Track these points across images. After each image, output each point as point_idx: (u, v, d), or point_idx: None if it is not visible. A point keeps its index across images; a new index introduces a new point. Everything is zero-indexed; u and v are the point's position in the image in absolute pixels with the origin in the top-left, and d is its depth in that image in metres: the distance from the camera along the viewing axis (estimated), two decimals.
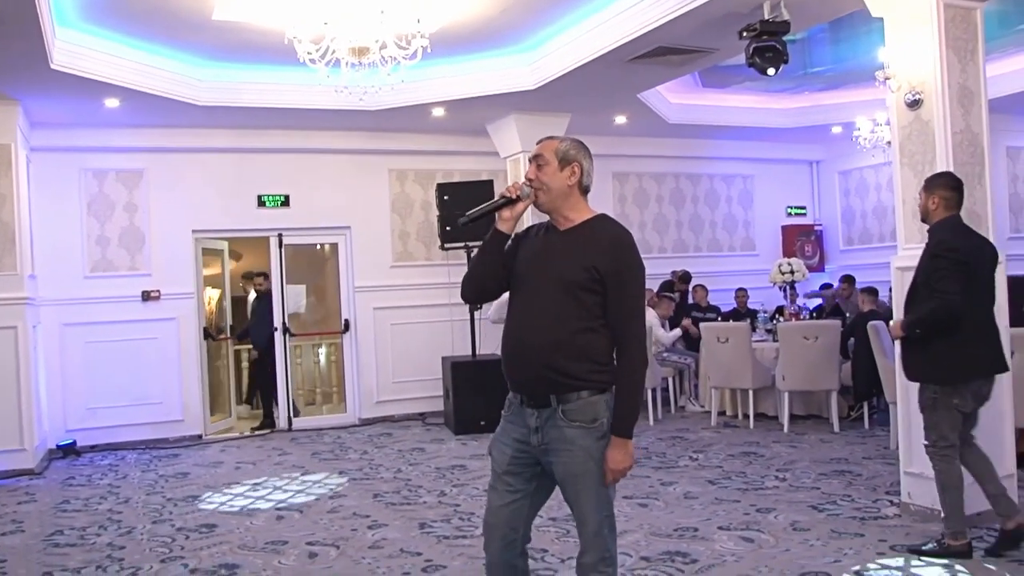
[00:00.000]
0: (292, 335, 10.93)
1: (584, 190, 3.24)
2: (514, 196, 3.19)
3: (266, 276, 10.87)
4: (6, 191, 8.35)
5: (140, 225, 9.96)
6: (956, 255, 4.60)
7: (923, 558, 4.73)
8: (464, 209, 3.34)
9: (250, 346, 11.64)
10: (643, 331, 3.17)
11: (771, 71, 6.80)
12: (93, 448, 9.48)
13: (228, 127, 10.03)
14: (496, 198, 3.24)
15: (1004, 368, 4.92)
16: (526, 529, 3.28)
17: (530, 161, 3.25)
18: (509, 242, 3.27)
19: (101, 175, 9.84)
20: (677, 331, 10.60)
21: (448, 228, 9.53)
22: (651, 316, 10.43)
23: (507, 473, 3.21)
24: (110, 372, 9.64)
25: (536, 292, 3.15)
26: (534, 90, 8.99)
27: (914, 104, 5.49)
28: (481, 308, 9.19)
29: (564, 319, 3.07)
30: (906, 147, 5.60)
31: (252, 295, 11.44)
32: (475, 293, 3.37)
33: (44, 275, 9.30)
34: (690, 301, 11.79)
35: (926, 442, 4.89)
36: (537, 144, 3.27)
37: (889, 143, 9.31)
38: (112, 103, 8.68)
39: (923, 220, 4.96)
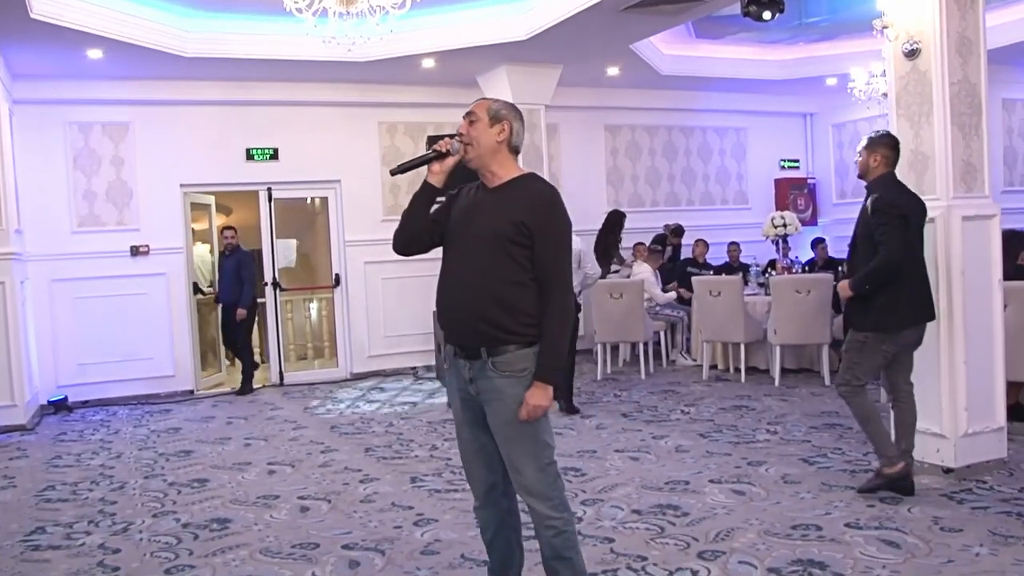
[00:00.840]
0: (283, 289, 10.89)
1: (514, 150, 3.36)
2: (444, 150, 3.32)
3: (235, 231, 10.41)
4: None
5: (127, 179, 9.86)
6: (897, 210, 4.86)
7: (905, 500, 4.76)
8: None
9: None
10: (568, 283, 3.28)
11: (767, 15, 6.73)
12: (85, 404, 9.49)
13: (215, 79, 9.89)
14: (427, 152, 3.39)
15: (933, 316, 5.13)
16: (503, 470, 3.38)
17: (463, 118, 3.37)
18: (443, 200, 3.42)
19: (86, 128, 9.72)
20: (672, 294, 10.58)
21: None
22: (646, 271, 10.41)
23: (466, 421, 3.38)
24: (100, 328, 9.60)
25: (467, 247, 3.28)
26: (526, 40, 8.85)
27: (912, 54, 5.42)
28: None
29: (494, 273, 3.19)
30: (903, 98, 5.54)
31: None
32: (404, 244, 3.47)
33: (31, 230, 9.24)
34: (689, 256, 11.72)
35: (840, 381, 5.14)
36: (472, 104, 3.40)
37: (884, 95, 9.26)
38: (95, 54, 8.54)
39: (861, 177, 5.16)
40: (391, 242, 3.50)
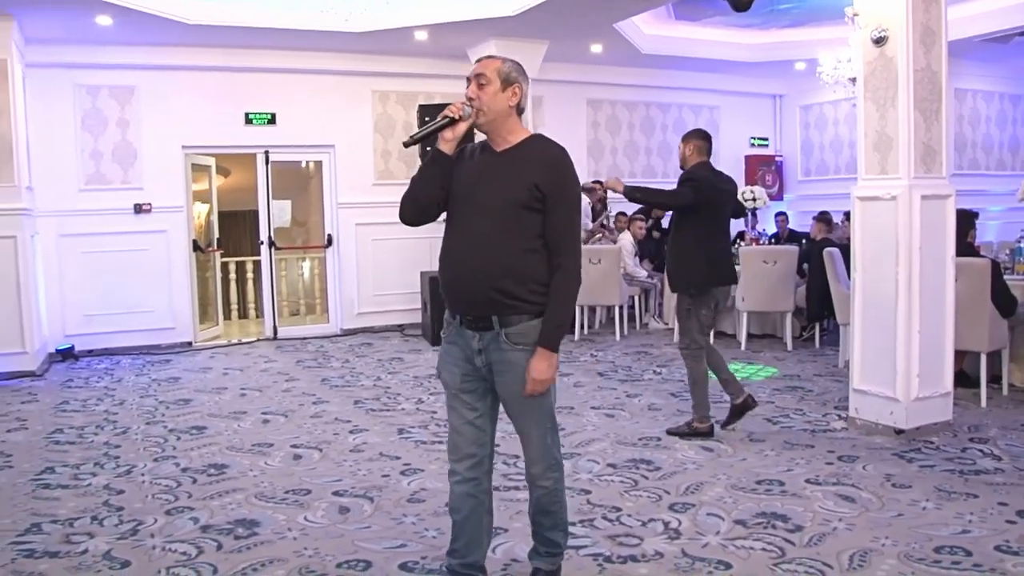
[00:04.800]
0: (278, 248, 10.81)
1: (520, 112, 3.09)
2: (456, 116, 3.00)
3: None
4: (3, 105, 8.10)
5: (132, 140, 9.73)
6: (696, 184, 5.50)
7: (860, 458, 4.81)
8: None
9: (238, 259, 11.44)
10: (579, 248, 3.07)
11: (743, 3, 6.75)
12: (90, 353, 9.42)
13: (217, 46, 9.73)
14: (438, 118, 3.04)
15: (734, 280, 5.83)
16: (491, 446, 3.20)
17: (469, 80, 3.06)
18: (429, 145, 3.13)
19: (94, 91, 9.56)
20: (643, 272, 10.58)
21: (428, 148, 9.31)
22: (627, 240, 10.41)
23: (463, 392, 3.11)
24: (105, 281, 9.52)
25: (478, 213, 2.99)
26: (514, 16, 8.75)
27: (880, 41, 5.40)
28: None
29: (508, 240, 2.94)
30: (870, 82, 5.52)
31: None
32: (415, 214, 3.13)
33: (41, 187, 9.11)
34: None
35: (682, 345, 5.65)
36: (476, 63, 3.08)
37: (851, 79, 9.26)
38: (104, 20, 8.39)
39: (681, 166, 5.74)
40: (398, 211, 3.14)
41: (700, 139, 5.69)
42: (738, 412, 5.64)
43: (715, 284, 5.53)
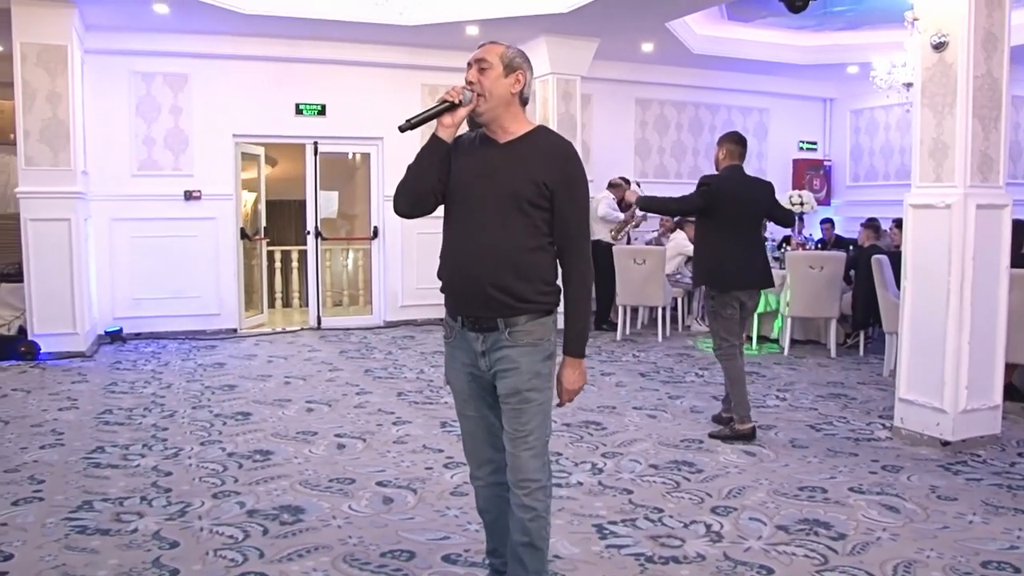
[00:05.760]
0: (324, 239, 10.91)
1: (524, 102, 2.89)
2: (456, 100, 2.80)
3: None
4: (62, 90, 8.27)
5: (184, 128, 9.88)
6: (707, 188, 5.64)
7: (904, 468, 4.77)
8: None
9: (283, 248, 11.52)
10: (589, 246, 2.91)
11: (799, 4, 6.73)
12: (137, 336, 9.60)
13: (270, 36, 9.84)
14: (436, 103, 2.86)
15: (762, 285, 5.78)
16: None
17: (469, 65, 2.87)
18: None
19: (149, 78, 9.72)
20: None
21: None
22: (682, 237, 10.37)
23: (473, 398, 2.98)
24: (154, 266, 9.68)
25: (481, 208, 2.81)
26: (567, 13, 8.75)
27: (939, 46, 5.33)
28: None
29: (514, 237, 2.77)
30: (928, 88, 5.45)
31: None
32: (410, 206, 2.95)
33: (95, 172, 9.29)
34: None
35: (716, 347, 5.76)
36: (479, 48, 2.89)
37: (905, 85, 9.15)
38: (161, 9, 8.53)
39: (716, 168, 5.87)
40: (392, 203, 2.99)
41: (732, 143, 5.81)
42: (730, 432, 5.59)
43: (731, 287, 5.57)
